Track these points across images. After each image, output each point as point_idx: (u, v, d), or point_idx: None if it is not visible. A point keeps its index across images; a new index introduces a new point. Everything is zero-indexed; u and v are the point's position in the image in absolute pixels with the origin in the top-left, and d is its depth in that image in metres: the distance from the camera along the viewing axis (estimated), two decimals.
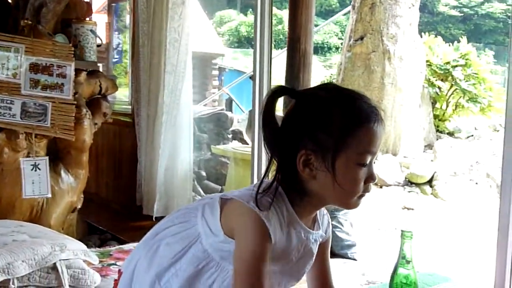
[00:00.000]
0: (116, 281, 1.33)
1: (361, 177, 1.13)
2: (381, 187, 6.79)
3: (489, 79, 8.68)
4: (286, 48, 5.44)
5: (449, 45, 8.97)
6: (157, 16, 3.86)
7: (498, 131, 8.80)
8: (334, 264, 4.12)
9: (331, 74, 10.00)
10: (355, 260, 4.26)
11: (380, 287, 1.42)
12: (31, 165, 2.85)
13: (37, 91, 2.84)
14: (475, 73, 8.56)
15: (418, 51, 7.90)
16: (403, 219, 5.77)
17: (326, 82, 9.68)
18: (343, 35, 19.50)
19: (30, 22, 2.90)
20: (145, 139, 4.20)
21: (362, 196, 1.17)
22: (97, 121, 3.39)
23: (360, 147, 1.11)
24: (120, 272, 1.31)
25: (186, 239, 1.19)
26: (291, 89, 1.17)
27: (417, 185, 6.85)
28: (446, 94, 8.78)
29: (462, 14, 19.85)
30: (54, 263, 2.23)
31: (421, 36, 8.62)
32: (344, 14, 10.62)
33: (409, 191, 6.75)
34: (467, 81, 8.52)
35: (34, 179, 2.98)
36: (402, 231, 1.45)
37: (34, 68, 2.83)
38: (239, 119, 6.83)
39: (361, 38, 7.56)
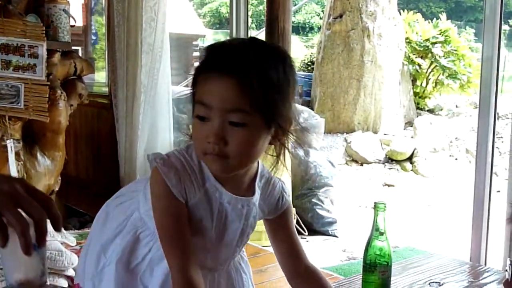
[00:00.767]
0: None
1: (198, 130, 1.03)
2: (361, 164, 6.83)
3: (468, 55, 8.73)
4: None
5: (429, 22, 8.98)
6: None
7: (477, 107, 8.86)
8: (315, 241, 4.17)
9: (311, 53, 9.97)
10: (336, 236, 4.31)
11: (361, 263, 1.42)
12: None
13: (8, 73, 2.78)
14: (455, 50, 8.60)
15: (397, 28, 7.90)
16: (384, 195, 5.82)
17: (305, 60, 9.66)
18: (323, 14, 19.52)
19: (0, 2, 2.84)
20: (124, 120, 4.16)
21: (209, 154, 1.03)
22: (72, 102, 3.35)
23: (197, 95, 1.04)
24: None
25: (128, 209, 1.18)
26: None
27: (398, 162, 6.90)
28: (426, 71, 8.81)
29: None
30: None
31: (400, 14, 8.61)
32: None
33: (389, 168, 6.80)
34: (446, 57, 8.56)
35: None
36: (375, 203, 1.46)
37: (5, 49, 2.78)
38: None
39: (340, 16, 7.54)
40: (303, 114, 4.78)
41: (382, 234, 1.42)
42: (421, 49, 8.60)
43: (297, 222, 4.10)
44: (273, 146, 1.11)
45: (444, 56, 8.55)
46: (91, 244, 1.23)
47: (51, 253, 2.28)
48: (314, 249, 3.96)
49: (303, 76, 8.36)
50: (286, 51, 1.11)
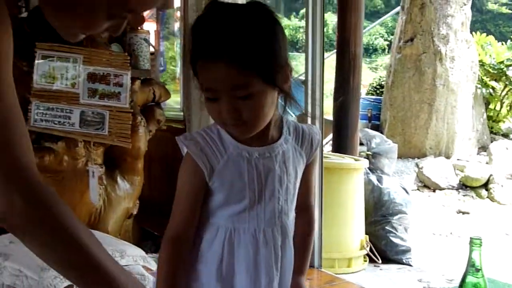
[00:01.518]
0: None
1: (210, 108, 1.13)
2: (434, 190, 6.65)
3: None
4: (334, 51, 5.40)
5: (502, 44, 8.72)
6: None
7: None
8: (389, 270, 4.07)
9: (380, 77, 9.86)
10: (411, 265, 4.19)
11: None
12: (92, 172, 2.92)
13: (95, 100, 2.90)
14: None
15: (470, 51, 7.71)
16: (459, 223, 5.63)
17: (374, 83, 9.56)
18: (388, 37, 19.30)
19: None
20: None
21: (231, 125, 1.13)
22: (151, 128, 3.44)
23: (200, 82, 1.12)
24: None
25: None
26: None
27: (472, 188, 6.68)
28: (500, 95, 8.54)
29: None
30: None
31: (473, 36, 8.41)
32: (394, 15, 10.46)
33: (463, 195, 6.58)
34: None
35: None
36: (471, 238, 1.41)
37: (92, 77, 2.89)
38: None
39: (411, 39, 7.43)
40: (375, 139, 4.71)
41: (478, 270, 1.37)
42: (495, 71, 8.34)
43: (370, 250, 4.03)
44: None
45: None
46: None
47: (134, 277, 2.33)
48: (388, 278, 3.87)
49: (372, 100, 8.27)
50: (249, 3, 1.14)
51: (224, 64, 1.06)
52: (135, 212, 3.49)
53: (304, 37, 3.38)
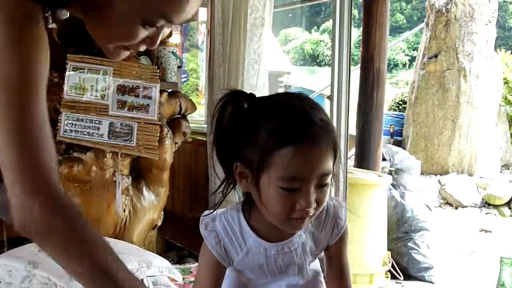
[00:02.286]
0: None
1: (284, 201, 1.01)
2: (456, 208, 6.59)
3: None
4: (357, 66, 5.40)
5: None
6: (234, 37, 3.92)
7: None
8: (411, 287, 4.04)
9: (403, 92, 9.83)
10: (433, 283, 4.16)
11: None
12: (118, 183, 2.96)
13: (124, 112, 2.95)
14: None
15: (494, 68, 7.67)
16: (481, 242, 5.57)
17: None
18: (410, 52, 19.25)
19: None
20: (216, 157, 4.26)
21: (297, 219, 1.04)
22: (177, 140, 3.48)
23: (282, 171, 0.99)
24: None
25: None
26: (247, 94, 1.08)
27: (495, 206, 6.61)
28: None
29: None
30: (142, 280, 2.29)
31: (497, 53, 8.37)
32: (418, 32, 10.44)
33: (486, 213, 6.52)
34: None
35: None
36: (501, 257, 1.41)
37: (121, 89, 2.95)
38: None
39: (435, 56, 7.42)
40: (398, 155, 4.70)
41: None
42: None
43: (392, 266, 4.00)
44: None
45: None
46: None
47: (160, 287, 2.35)
48: None
49: (394, 116, 8.25)
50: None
51: (324, 147, 1.01)
52: (159, 223, 3.52)
53: (327, 52, 3.41)
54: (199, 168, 4.76)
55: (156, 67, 3.13)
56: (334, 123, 3.39)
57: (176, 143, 3.48)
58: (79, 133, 2.92)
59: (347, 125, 3.38)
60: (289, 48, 21.23)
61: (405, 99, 8.73)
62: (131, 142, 2.95)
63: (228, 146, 1.07)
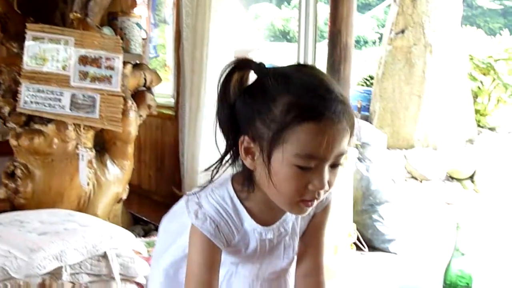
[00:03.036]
0: None
1: (297, 179, 0.95)
2: (421, 181, 6.71)
3: None
4: (324, 41, 5.39)
5: (491, 38, 8.79)
6: (201, 9, 3.87)
7: None
8: (375, 258, 4.11)
9: (370, 68, 9.88)
10: (396, 254, 4.24)
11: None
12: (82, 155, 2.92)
13: (86, 83, 2.89)
14: None
15: (460, 45, 7.76)
16: (444, 214, 5.68)
17: (365, 77, 9.60)
18: (378, 29, 19.33)
19: (79, 15, 2.96)
20: (187, 131, 4.23)
21: (305, 201, 0.98)
22: (142, 113, 3.44)
23: (300, 147, 0.93)
24: None
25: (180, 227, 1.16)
26: (257, 64, 1.02)
27: (459, 180, 6.75)
28: (488, 89, 8.61)
29: (503, 7, 19.38)
30: (105, 252, 2.28)
31: (463, 30, 8.46)
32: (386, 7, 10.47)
33: (449, 186, 6.65)
34: (510, 75, 8.34)
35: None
36: (457, 223, 1.44)
37: (83, 60, 2.89)
38: None
39: (402, 31, 7.45)
40: (365, 129, 4.74)
41: (463, 254, 1.40)
42: (484, 66, 8.41)
43: (357, 238, 4.06)
44: None
45: (507, 73, 8.33)
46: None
47: (124, 259, 2.34)
48: (374, 266, 3.91)
49: (361, 91, 8.29)
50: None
51: (344, 126, 0.94)
52: (124, 197, 3.50)
53: (296, 28, 3.40)
54: (167, 142, 4.74)
55: (119, 37, 3.07)
56: None
57: (141, 116, 3.44)
58: (40, 104, 2.85)
59: None
60: (259, 24, 21.11)
61: (373, 74, 8.78)
62: (94, 114, 2.91)
63: (234, 118, 0.99)
